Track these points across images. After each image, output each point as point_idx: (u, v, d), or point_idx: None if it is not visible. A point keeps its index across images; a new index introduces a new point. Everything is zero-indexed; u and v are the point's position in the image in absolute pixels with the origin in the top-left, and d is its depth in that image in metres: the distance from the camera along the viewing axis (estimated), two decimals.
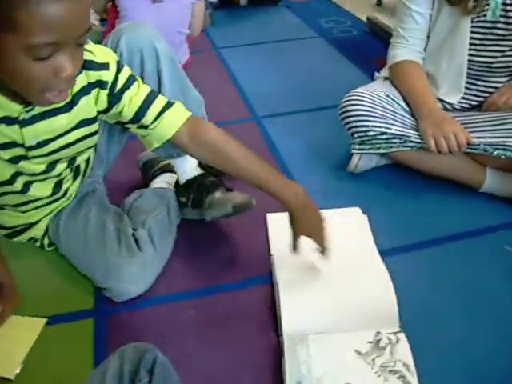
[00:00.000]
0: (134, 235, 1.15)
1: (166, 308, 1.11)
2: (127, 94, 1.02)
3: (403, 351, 0.94)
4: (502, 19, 1.30)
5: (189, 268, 1.22)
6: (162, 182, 1.39)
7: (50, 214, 1.20)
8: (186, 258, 1.24)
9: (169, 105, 1.06)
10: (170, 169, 1.41)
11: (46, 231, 1.22)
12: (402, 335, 0.97)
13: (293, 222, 1.07)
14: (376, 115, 1.36)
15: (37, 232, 1.22)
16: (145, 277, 1.12)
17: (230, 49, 2.58)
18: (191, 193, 1.28)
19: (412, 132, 1.36)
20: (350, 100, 1.41)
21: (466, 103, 1.46)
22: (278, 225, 1.05)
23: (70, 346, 1.04)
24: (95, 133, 1.08)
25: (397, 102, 1.42)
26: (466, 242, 1.24)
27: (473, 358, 0.97)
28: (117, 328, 1.07)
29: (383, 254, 1.18)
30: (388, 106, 1.39)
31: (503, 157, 1.26)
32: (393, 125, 1.36)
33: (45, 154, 1.01)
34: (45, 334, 1.05)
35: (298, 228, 1.06)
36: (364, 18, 2.79)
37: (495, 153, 1.27)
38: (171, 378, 0.70)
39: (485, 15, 1.31)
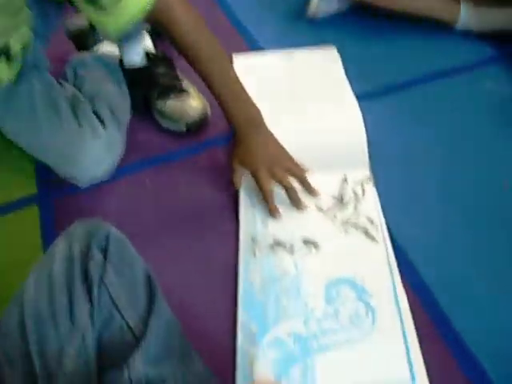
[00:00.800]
0: (95, 113, 0.99)
1: (117, 184, 1.00)
2: None
3: (368, 205, 0.90)
4: None
5: (138, 138, 1.08)
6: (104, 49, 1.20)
7: None
8: (134, 128, 1.08)
9: None
10: None
11: None
12: (369, 187, 0.92)
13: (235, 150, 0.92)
14: None
15: None
16: (111, 158, 0.98)
17: None
18: (138, 89, 1.11)
19: None
20: None
21: None
22: (246, 67, 0.88)
23: (16, 237, 0.94)
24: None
25: None
26: (444, 82, 1.16)
27: (449, 196, 0.93)
28: (65, 211, 0.97)
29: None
30: None
31: None
32: None
33: None
34: None
35: (238, 156, 0.90)
36: None
37: None
38: (129, 254, 0.61)
39: None
